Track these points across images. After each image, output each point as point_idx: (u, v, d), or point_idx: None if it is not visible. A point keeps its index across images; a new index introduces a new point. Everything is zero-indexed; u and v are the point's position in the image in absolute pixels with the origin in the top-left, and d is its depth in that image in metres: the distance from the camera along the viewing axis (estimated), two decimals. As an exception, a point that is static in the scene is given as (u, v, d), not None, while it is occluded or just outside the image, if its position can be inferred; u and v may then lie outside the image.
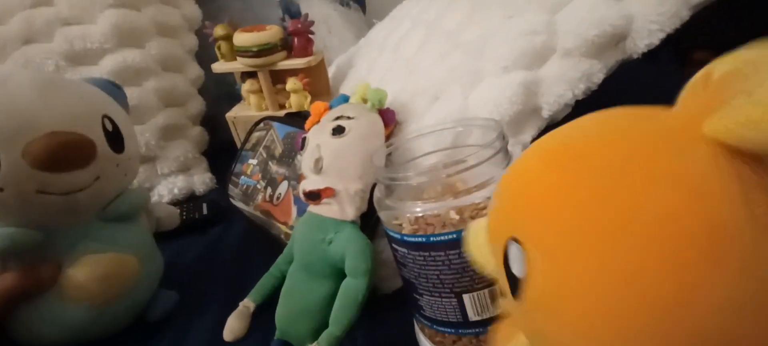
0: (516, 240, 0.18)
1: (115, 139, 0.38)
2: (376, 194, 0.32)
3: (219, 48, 0.62)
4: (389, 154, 0.36)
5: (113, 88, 0.42)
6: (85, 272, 0.35)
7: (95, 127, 0.36)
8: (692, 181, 0.14)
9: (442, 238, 0.28)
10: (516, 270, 0.18)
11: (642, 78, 0.69)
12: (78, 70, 0.58)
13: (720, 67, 0.15)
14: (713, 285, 0.13)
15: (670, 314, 0.14)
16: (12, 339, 0.36)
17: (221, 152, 0.66)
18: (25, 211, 0.33)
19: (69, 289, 0.35)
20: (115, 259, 0.37)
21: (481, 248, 0.22)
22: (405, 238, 0.29)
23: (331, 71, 0.69)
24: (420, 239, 0.29)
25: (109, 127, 0.37)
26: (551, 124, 0.39)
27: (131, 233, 0.40)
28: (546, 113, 0.37)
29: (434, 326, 0.32)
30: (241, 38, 0.58)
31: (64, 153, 0.33)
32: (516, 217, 0.18)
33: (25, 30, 0.56)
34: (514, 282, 0.18)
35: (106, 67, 0.58)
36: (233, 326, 0.39)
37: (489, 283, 0.29)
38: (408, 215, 0.30)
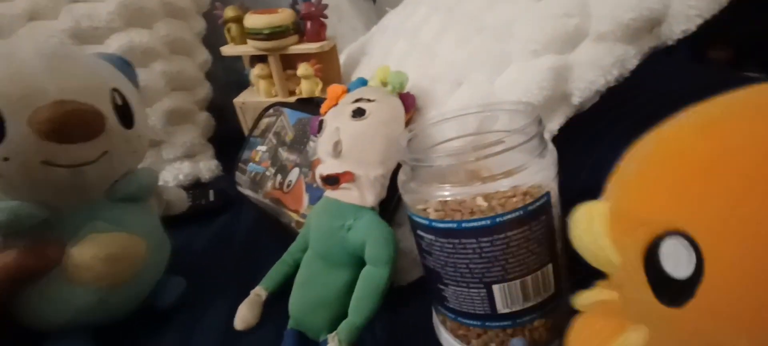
0: (680, 233, 0.15)
1: (125, 113, 0.36)
2: (401, 176, 0.31)
3: (229, 30, 0.60)
4: (410, 140, 0.34)
5: (123, 64, 0.41)
6: (90, 251, 0.33)
7: (104, 100, 0.34)
8: None
9: (475, 224, 0.26)
10: (679, 271, 0.15)
11: (659, 73, 0.68)
12: (84, 50, 0.56)
13: None
14: None
15: None
16: (16, 322, 0.35)
17: (228, 140, 0.64)
18: (31, 184, 0.32)
19: (74, 269, 0.33)
20: (122, 239, 0.35)
21: (598, 238, 0.19)
22: (433, 224, 0.28)
23: (341, 59, 0.68)
24: (451, 226, 0.27)
25: (119, 101, 0.36)
26: (579, 113, 0.38)
27: (140, 215, 0.38)
28: (576, 100, 0.35)
29: (459, 319, 0.30)
30: (252, 20, 0.56)
31: (72, 123, 0.31)
32: (683, 206, 0.15)
33: (30, 6, 0.54)
34: (669, 284, 0.15)
35: (112, 47, 0.57)
36: (244, 314, 0.37)
37: (521, 274, 0.27)
38: (436, 199, 0.28)
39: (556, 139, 0.36)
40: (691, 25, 0.33)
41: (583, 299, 0.23)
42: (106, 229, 0.35)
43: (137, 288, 0.38)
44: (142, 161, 0.41)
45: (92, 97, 0.33)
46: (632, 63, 0.34)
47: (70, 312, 0.34)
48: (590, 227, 0.19)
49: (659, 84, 0.61)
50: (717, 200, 0.15)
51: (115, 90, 0.36)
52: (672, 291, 0.15)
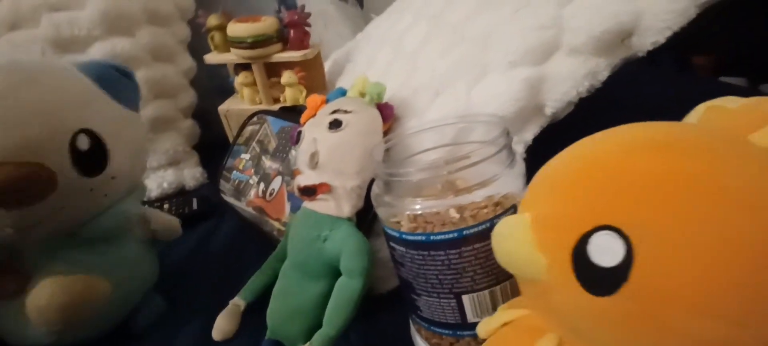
0: (608, 227, 0.17)
1: (91, 159, 0.32)
2: (375, 190, 0.31)
3: (212, 38, 0.60)
4: (387, 150, 0.35)
5: (118, 76, 0.37)
6: (46, 297, 0.31)
7: (58, 152, 0.30)
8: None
9: (443, 237, 0.27)
10: (609, 260, 0.17)
11: (641, 81, 0.69)
12: (65, 58, 0.56)
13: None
14: None
15: None
16: None
17: (212, 147, 0.64)
18: None
19: (29, 313, 0.32)
20: (80, 284, 0.33)
21: (524, 246, 0.20)
22: (404, 236, 0.28)
23: (327, 66, 0.68)
24: (420, 238, 0.27)
25: (85, 145, 0.32)
26: (553, 123, 0.38)
27: (107, 252, 0.36)
28: (549, 111, 0.36)
29: (431, 328, 0.31)
30: (235, 29, 0.57)
31: (12, 189, 0.28)
32: (611, 203, 0.18)
33: (11, 14, 0.54)
34: (600, 275, 0.17)
35: (94, 55, 0.57)
36: (222, 325, 0.37)
37: (489, 284, 0.28)
38: (407, 213, 0.28)
39: (530, 150, 0.37)
40: (661, 37, 0.34)
41: (487, 325, 0.24)
42: (67, 271, 0.33)
43: (98, 326, 0.37)
44: (124, 197, 0.37)
45: (43, 151, 0.29)
46: (603, 74, 0.35)
47: (27, 342, 0.34)
48: (516, 238, 0.20)
49: (635, 94, 0.62)
50: (638, 195, 0.17)
51: (81, 131, 0.32)
52: (604, 280, 0.17)
